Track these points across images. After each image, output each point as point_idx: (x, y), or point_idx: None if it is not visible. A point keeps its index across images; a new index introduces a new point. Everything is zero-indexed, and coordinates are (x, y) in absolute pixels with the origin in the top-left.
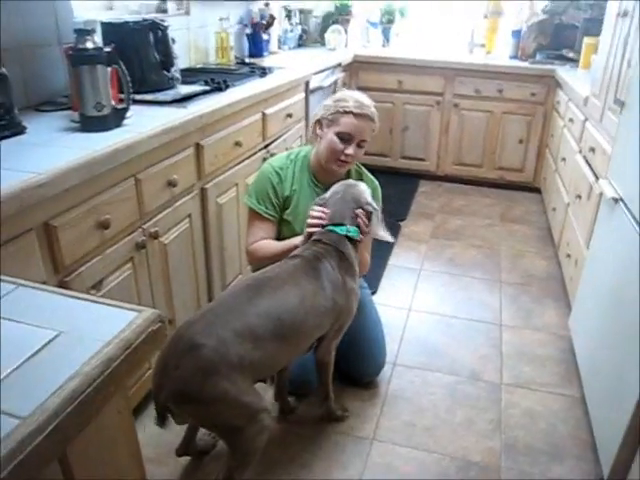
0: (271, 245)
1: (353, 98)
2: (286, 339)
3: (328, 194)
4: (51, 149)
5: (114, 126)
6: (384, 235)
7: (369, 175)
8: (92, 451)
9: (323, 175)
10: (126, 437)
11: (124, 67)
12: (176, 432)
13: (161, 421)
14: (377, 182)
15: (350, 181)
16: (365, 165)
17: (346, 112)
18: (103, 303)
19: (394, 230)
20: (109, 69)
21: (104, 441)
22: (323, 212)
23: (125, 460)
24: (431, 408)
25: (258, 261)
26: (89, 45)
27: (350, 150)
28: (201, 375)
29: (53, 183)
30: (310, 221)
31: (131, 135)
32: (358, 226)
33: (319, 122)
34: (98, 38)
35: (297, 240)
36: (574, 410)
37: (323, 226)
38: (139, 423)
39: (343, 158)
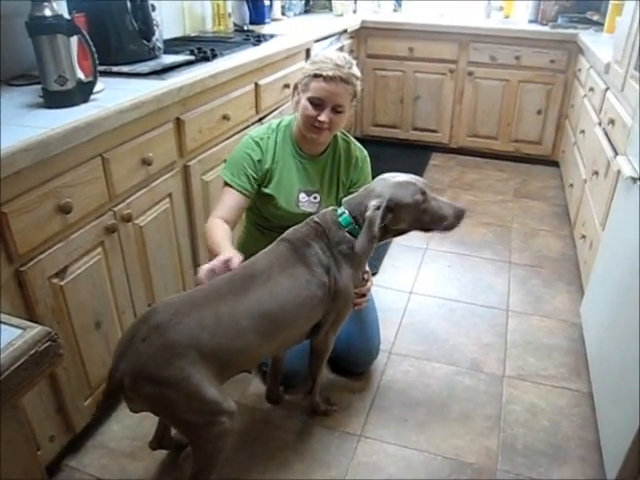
0: (214, 234)
1: (328, 59)
2: (273, 334)
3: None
4: (5, 128)
5: (80, 101)
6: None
7: (357, 144)
8: None
9: (306, 144)
10: (22, 464)
11: (88, 37)
12: (153, 423)
13: (104, 405)
14: (366, 152)
15: (394, 175)
16: (375, 137)
17: (316, 76)
18: None
19: None
20: (73, 39)
21: None
22: None
23: None
24: (426, 402)
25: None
26: (47, 12)
27: (323, 116)
28: (167, 354)
29: None
30: None
31: (95, 111)
32: (359, 220)
33: (296, 87)
34: (59, 6)
35: (225, 254)
36: (580, 407)
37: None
38: (114, 417)
39: (317, 125)
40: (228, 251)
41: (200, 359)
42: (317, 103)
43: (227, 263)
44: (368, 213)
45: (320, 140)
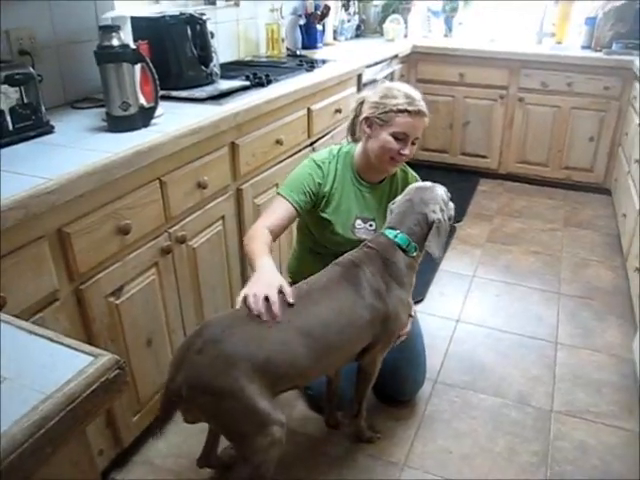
0: (255, 240)
1: (402, 93)
2: (319, 351)
3: (399, 197)
4: (72, 151)
5: (141, 126)
6: (434, 251)
7: (414, 174)
8: None
9: (368, 173)
10: None
11: (151, 65)
12: (199, 442)
13: (162, 417)
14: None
15: (423, 184)
16: (424, 161)
17: (400, 111)
18: (62, 343)
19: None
20: (137, 67)
21: None
22: None
23: None
24: (470, 433)
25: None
26: (115, 42)
27: (407, 150)
28: (222, 364)
29: (64, 189)
30: None
31: (155, 136)
32: (414, 234)
33: (368, 120)
34: (126, 34)
35: (260, 264)
36: (632, 447)
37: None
38: None
39: (397, 158)
40: (276, 276)
41: (253, 371)
42: (401, 137)
43: (281, 295)
44: (433, 218)
45: (393, 170)
